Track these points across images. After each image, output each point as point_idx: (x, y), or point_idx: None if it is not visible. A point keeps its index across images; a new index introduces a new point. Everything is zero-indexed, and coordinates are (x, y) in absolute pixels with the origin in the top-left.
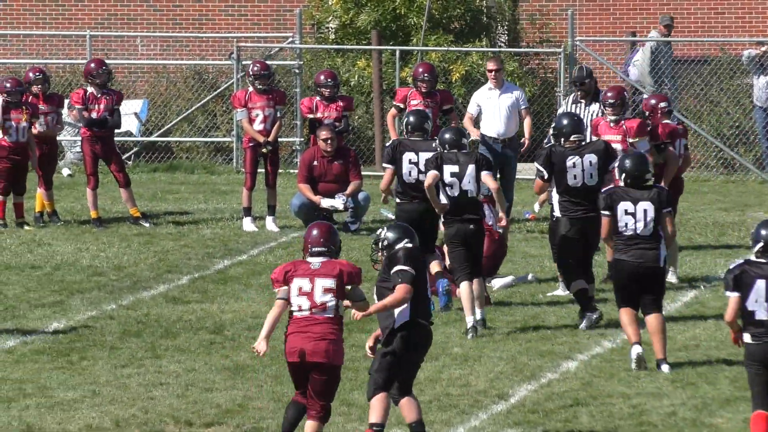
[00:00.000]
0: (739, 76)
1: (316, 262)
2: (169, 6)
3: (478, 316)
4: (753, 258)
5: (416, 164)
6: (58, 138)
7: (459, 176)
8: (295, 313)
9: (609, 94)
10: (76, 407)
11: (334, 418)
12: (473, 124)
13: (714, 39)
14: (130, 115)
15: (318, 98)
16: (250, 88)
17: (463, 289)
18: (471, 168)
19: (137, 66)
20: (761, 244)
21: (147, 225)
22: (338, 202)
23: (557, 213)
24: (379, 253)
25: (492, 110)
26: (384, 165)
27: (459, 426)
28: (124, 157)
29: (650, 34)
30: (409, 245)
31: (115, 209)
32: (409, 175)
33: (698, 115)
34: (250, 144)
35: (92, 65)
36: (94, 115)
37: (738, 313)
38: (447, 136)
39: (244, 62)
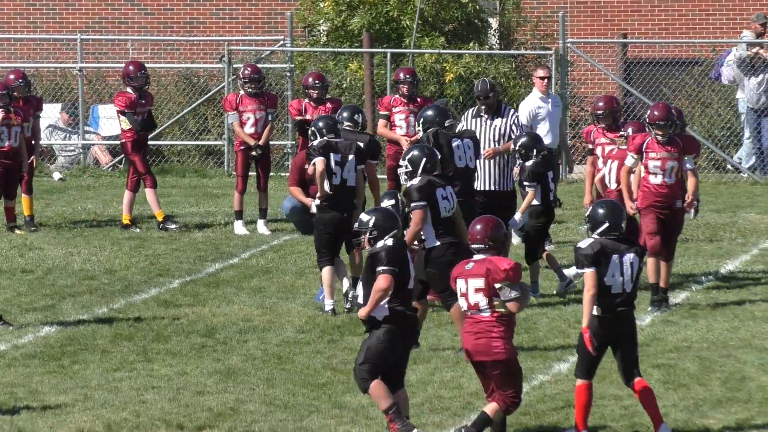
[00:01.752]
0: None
1: (473, 260)
2: (160, 9)
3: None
4: (597, 237)
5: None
6: (49, 141)
7: (341, 164)
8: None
9: (656, 113)
10: (68, 411)
11: (326, 420)
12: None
13: (705, 41)
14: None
15: (307, 100)
16: (242, 92)
17: (325, 274)
18: (352, 157)
19: None
20: (607, 224)
21: (174, 227)
22: None
23: None
24: (364, 238)
25: (545, 119)
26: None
27: (451, 428)
28: (114, 161)
29: (743, 33)
30: (390, 242)
31: (106, 213)
32: None
33: (689, 117)
34: (242, 147)
35: (131, 68)
36: (138, 118)
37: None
38: (346, 114)
39: (235, 65)
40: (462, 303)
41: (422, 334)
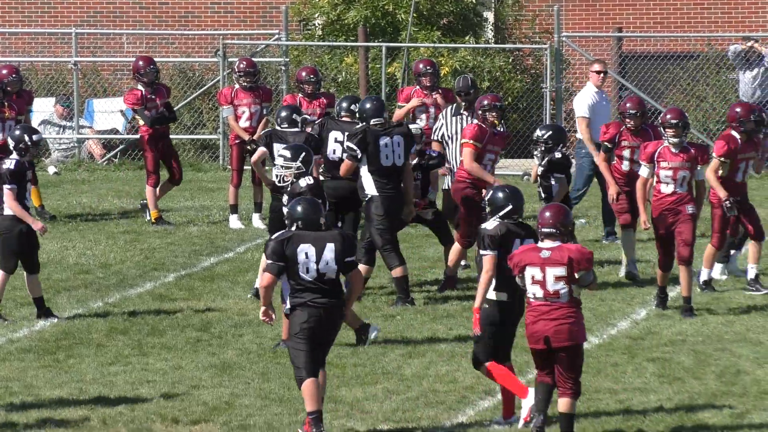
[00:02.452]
0: (725, 72)
1: (545, 248)
2: (155, 3)
3: None
4: (498, 221)
5: (341, 143)
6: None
7: None
8: (532, 300)
9: (669, 115)
10: (63, 405)
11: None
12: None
13: (700, 35)
14: (116, 112)
15: (301, 95)
16: (237, 86)
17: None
18: None
19: (123, 63)
20: (510, 207)
21: (171, 227)
22: None
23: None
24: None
25: (602, 113)
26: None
27: (446, 422)
28: (109, 155)
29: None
30: (272, 239)
31: (101, 207)
32: (333, 153)
33: (684, 110)
34: (237, 141)
35: (140, 63)
36: (149, 113)
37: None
38: (284, 114)
39: (230, 59)
40: (536, 291)
41: (417, 329)
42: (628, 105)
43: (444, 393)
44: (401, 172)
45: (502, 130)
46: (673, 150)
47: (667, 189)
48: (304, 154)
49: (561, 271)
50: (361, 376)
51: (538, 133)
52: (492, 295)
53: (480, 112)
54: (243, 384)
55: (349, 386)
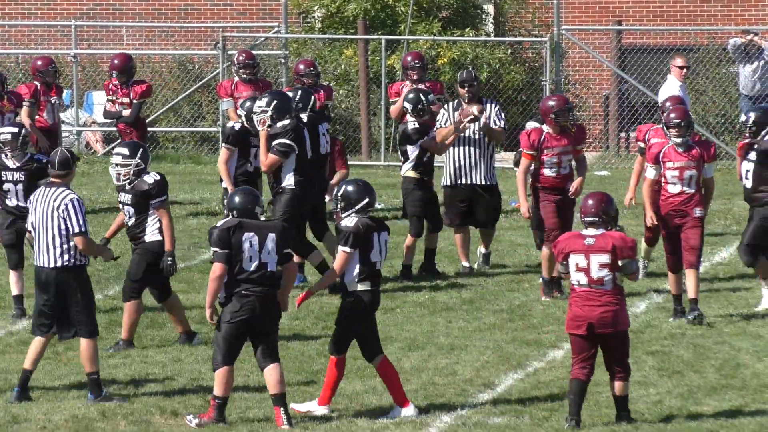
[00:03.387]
0: (724, 65)
1: (590, 235)
2: None
3: None
4: (356, 216)
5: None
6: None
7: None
8: (576, 287)
9: (672, 116)
10: (62, 398)
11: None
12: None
13: (700, 27)
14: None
15: None
16: (236, 78)
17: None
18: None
19: None
20: (367, 200)
21: None
22: None
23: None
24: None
25: None
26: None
27: (445, 415)
28: (109, 148)
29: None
30: (217, 227)
31: (101, 199)
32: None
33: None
34: None
35: (39, 63)
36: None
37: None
38: (248, 104)
39: (229, 52)
40: (580, 277)
41: (416, 321)
42: (672, 116)
43: (443, 386)
44: (326, 159)
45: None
46: (678, 149)
47: (674, 189)
48: (141, 150)
49: (605, 258)
50: (361, 369)
51: (743, 117)
52: (357, 286)
53: (552, 116)
54: (242, 377)
55: (348, 379)
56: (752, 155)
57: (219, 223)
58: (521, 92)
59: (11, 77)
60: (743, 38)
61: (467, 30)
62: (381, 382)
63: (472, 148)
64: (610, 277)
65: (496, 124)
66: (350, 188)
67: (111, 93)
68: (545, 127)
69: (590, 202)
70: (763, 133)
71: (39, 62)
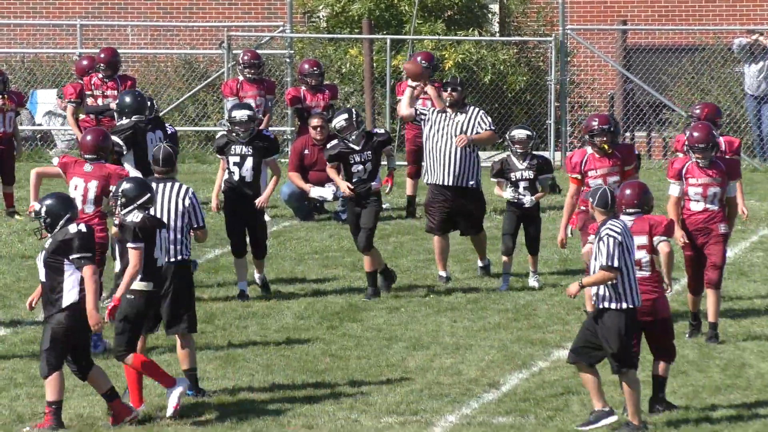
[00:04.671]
0: (729, 65)
1: (628, 219)
2: None
3: None
4: (139, 212)
5: None
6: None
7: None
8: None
9: (696, 135)
10: (67, 396)
11: (325, 406)
12: None
13: (705, 27)
14: None
15: (304, 88)
16: (241, 78)
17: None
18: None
19: (128, 55)
20: (148, 195)
21: None
22: (327, 191)
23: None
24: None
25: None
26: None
27: (450, 415)
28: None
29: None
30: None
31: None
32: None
33: (689, 103)
34: None
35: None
36: (99, 101)
37: None
38: (127, 99)
39: (234, 51)
40: None
41: (421, 321)
42: (695, 135)
43: (448, 385)
44: None
45: (611, 151)
46: (702, 165)
47: (697, 206)
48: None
49: (643, 239)
50: (365, 369)
51: None
52: (138, 285)
53: (588, 136)
54: (247, 376)
55: (354, 379)
56: None
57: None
58: (526, 92)
59: (17, 76)
60: (748, 38)
61: (471, 30)
62: (386, 381)
63: (455, 151)
64: (648, 259)
65: (481, 128)
66: (129, 185)
67: (95, 88)
68: (588, 149)
69: (628, 192)
70: None
71: (84, 62)
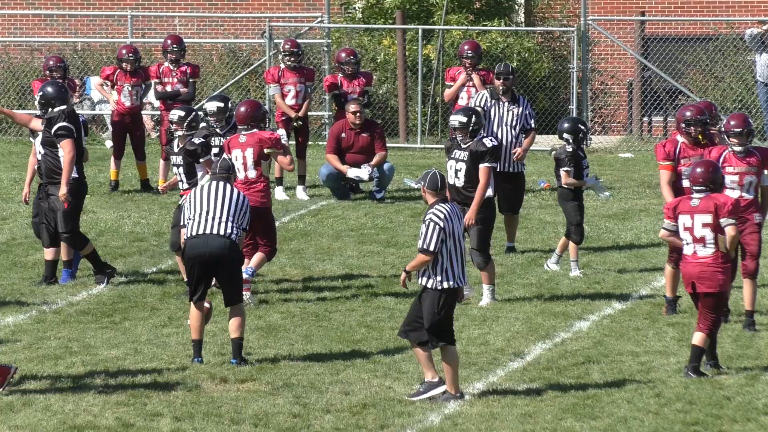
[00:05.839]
0: (742, 53)
1: (696, 198)
2: None
3: None
4: None
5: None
6: (98, 111)
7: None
8: (685, 246)
9: (733, 122)
10: (119, 365)
11: (361, 374)
12: None
13: (719, 18)
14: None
15: (341, 75)
16: (282, 65)
17: None
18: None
19: None
20: None
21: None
22: (364, 172)
23: None
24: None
25: None
26: None
27: (478, 382)
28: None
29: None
30: None
31: (156, 178)
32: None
33: (703, 90)
34: (282, 118)
35: (168, 42)
36: (168, 88)
37: None
38: (49, 89)
39: (275, 41)
40: (687, 237)
41: None
42: (732, 123)
43: (476, 355)
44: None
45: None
46: (739, 154)
47: (733, 195)
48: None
49: (708, 218)
50: (398, 339)
51: None
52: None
53: (683, 125)
54: (287, 345)
55: (387, 348)
56: None
57: None
58: (549, 79)
59: (71, 65)
60: (759, 28)
61: (498, 20)
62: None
63: (503, 135)
64: (711, 237)
65: (528, 124)
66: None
67: (163, 76)
68: (679, 137)
69: (698, 170)
70: None
71: (124, 51)
